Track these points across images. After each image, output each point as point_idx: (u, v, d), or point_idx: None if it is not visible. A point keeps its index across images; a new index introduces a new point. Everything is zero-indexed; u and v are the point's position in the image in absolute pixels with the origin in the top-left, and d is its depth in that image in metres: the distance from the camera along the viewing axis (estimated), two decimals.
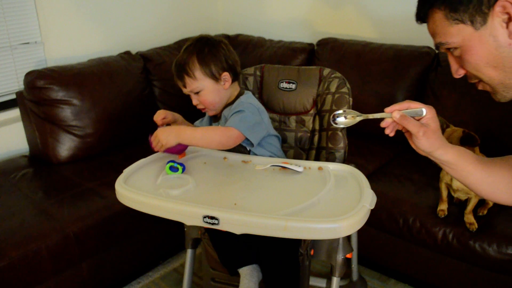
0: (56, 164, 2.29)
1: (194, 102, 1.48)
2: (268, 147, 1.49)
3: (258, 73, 1.70)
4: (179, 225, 1.47)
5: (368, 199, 1.13)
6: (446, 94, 2.25)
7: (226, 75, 1.46)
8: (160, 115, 1.50)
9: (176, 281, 2.13)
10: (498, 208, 1.82)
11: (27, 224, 1.80)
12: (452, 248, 1.76)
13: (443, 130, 1.79)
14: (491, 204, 1.82)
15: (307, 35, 3.00)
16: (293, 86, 1.64)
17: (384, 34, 2.65)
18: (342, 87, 1.56)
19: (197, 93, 1.46)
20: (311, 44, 2.84)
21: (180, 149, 1.39)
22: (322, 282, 1.79)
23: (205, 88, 1.45)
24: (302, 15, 3.02)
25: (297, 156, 1.63)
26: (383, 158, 2.27)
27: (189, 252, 1.67)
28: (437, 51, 2.22)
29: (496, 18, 0.84)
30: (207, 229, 1.51)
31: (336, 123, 1.07)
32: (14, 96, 2.41)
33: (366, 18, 2.75)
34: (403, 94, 2.36)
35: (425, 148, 1.01)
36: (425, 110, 0.99)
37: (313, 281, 1.76)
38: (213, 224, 1.09)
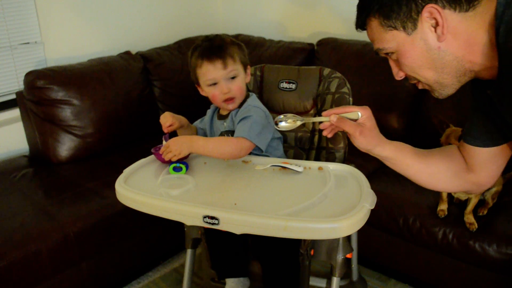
0: (56, 164, 2.29)
1: (225, 89, 1.41)
2: (270, 150, 1.48)
3: (258, 73, 1.70)
4: (179, 225, 1.47)
5: (368, 199, 1.13)
6: None
7: (249, 69, 1.48)
8: (167, 121, 1.46)
9: (176, 281, 2.13)
10: (498, 208, 1.82)
11: (27, 224, 1.80)
12: (452, 248, 1.76)
13: (443, 130, 1.79)
14: (491, 204, 1.82)
15: (307, 35, 3.00)
16: (293, 86, 1.64)
17: None
18: (342, 87, 1.56)
19: (232, 78, 1.42)
20: (311, 44, 2.83)
21: (187, 154, 1.40)
22: (322, 282, 1.79)
23: (240, 74, 1.43)
24: (302, 15, 3.02)
25: (297, 156, 1.63)
26: None
27: (189, 252, 1.66)
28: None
29: (425, 23, 0.90)
30: (205, 230, 1.51)
31: (279, 127, 1.17)
32: (14, 96, 2.41)
33: None
34: (403, 94, 2.36)
35: (363, 146, 1.10)
36: (360, 113, 1.08)
37: (313, 281, 1.75)
38: (213, 224, 1.09)
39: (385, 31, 0.94)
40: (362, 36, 3.01)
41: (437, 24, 0.89)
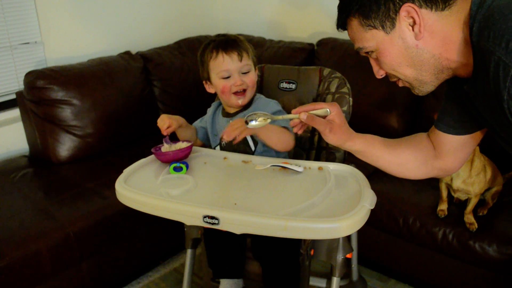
0: (56, 164, 2.29)
1: (239, 81, 1.43)
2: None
3: (258, 73, 1.70)
4: (179, 225, 1.47)
5: (368, 199, 1.13)
6: None
7: (257, 69, 1.51)
8: (164, 124, 1.45)
9: (176, 281, 2.13)
10: (498, 208, 1.82)
11: (27, 224, 1.80)
12: (452, 248, 1.76)
13: None
14: (491, 204, 1.82)
15: (307, 35, 3.00)
16: (293, 86, 1.64)
17: None
18: (342, 87, 1.56)
19: (245, 73, 1.45)
20: (311, 44, 2.83)
21: (187, 153, 1.40)
22: (322, 282, 1.79)
23: (252, 70, 1.47)
24: (302, 15, 3.02)
25: (297, 156, 1.63)
26: None
27: (189, 252, 1.67)
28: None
29: (403, 22, 0.92)
30: (205, 230, 1.51)
31: (249, 126, 1.19)
32: (14, 96, 2.41)
33: None
34: (403, 93, 2.36)
35: (334, 142, 1.13)
36: (329, 110, 1.11)
37: (313, 281, 1.76)
38: (213, 224, 1.09)
39: (364, 30, 0.97)
40: None
41: (414, 22, 0.92)
